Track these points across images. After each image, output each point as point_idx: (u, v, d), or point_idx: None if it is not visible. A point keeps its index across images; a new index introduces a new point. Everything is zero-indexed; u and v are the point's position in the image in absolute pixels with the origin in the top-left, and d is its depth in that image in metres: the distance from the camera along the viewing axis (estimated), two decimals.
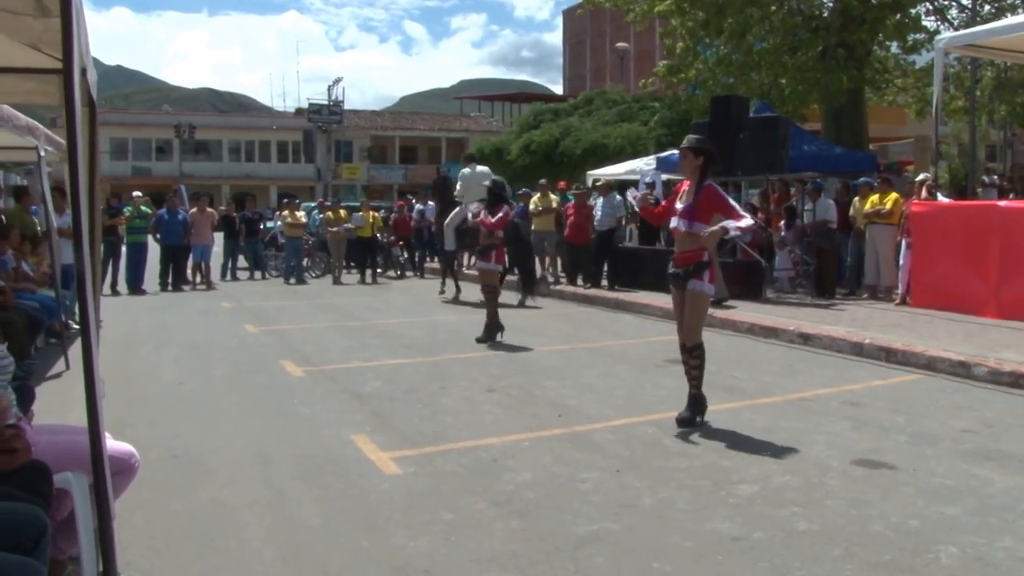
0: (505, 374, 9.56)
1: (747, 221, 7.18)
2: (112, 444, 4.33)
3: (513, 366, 10.07)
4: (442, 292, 18.39)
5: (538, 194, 19.34)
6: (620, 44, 42.33)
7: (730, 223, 7.09)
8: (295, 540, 4.91)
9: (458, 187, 17.34)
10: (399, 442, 6.88)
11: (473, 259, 14.56)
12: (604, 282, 17.68)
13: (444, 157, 65.24)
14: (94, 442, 2.98)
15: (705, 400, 7.39)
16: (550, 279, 18.95)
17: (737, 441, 6.83)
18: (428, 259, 24.66)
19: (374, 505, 5.46)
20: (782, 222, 16.96)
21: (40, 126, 10.54)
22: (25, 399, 4.65)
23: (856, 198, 16.21)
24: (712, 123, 15.32)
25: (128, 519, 5.10)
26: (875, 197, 15.47)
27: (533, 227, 19.18)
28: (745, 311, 13.46)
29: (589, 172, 23.61)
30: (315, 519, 5.24)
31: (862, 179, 16.58)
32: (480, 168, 17.11)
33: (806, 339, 11.45)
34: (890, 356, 10.18)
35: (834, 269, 16.28)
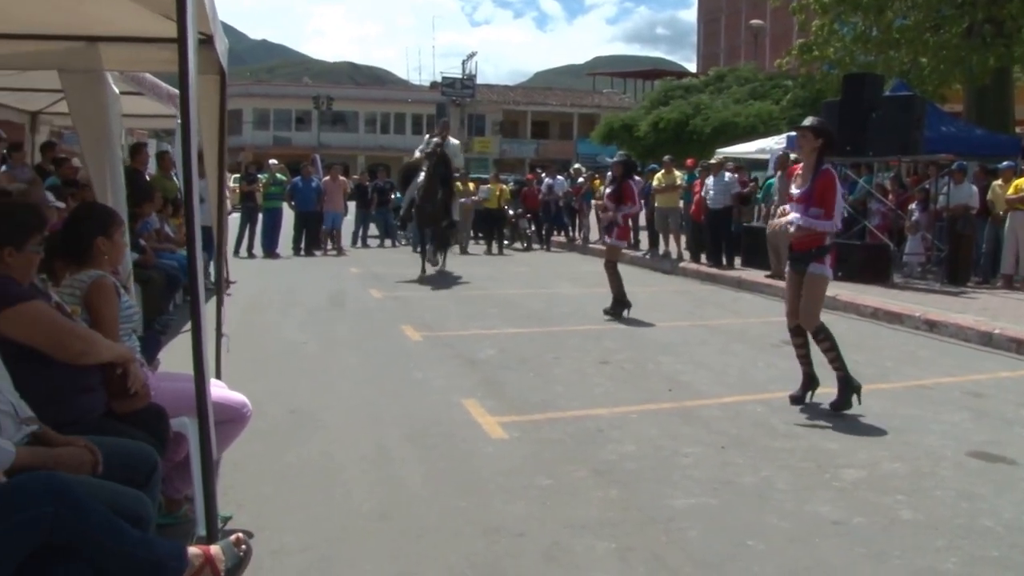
0: (620, 347, 9.54)
1: (822, 223, 6.94)
2: (226, 394, 4.50)
3: (629, 340, 10.03)
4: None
5: (662, 171, 19.12)
6: (755, 21, 41.39)
7: (795, 218, 6.92)
8: (396, 497, 5.02)
9: (418, 148, 17.70)
10: (507, 408, 6.95)
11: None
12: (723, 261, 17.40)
13: (575, 132, 65.12)
14: (199, 389, 3.10)
15: (817, 379, 7.21)
16: (673, 256, 18.73)
17: (847, 425, 6.66)
18: (555, 232, 24.69)
19: (476, 468, 5.54)
20: (913, 204, 16.30)
21: (179, 93, 10.90)
22: (150, 348, 4.87)
23: (996, 182, 15.45)
24: (843, 102, 14.89)
25: (243, 467, 5.30)
26: (1020, 181, 14.67)
27: (656, 203, 18.99)
28: (870, 295, 13.05)
29: (718, 150, 23.21)
30: (417, 478, 5.35)
31: (1005, 163, 15.74)
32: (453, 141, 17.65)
33: (932, 326, 11.05)
34: (1021, 347, 9.75)
35: (970, 256, 15.61)
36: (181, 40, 3.00)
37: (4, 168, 11.54)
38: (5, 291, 3.38)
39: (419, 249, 17.98)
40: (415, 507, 4.86)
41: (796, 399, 7.20)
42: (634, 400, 7.30)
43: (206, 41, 5.04)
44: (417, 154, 17.03)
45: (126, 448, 3.34)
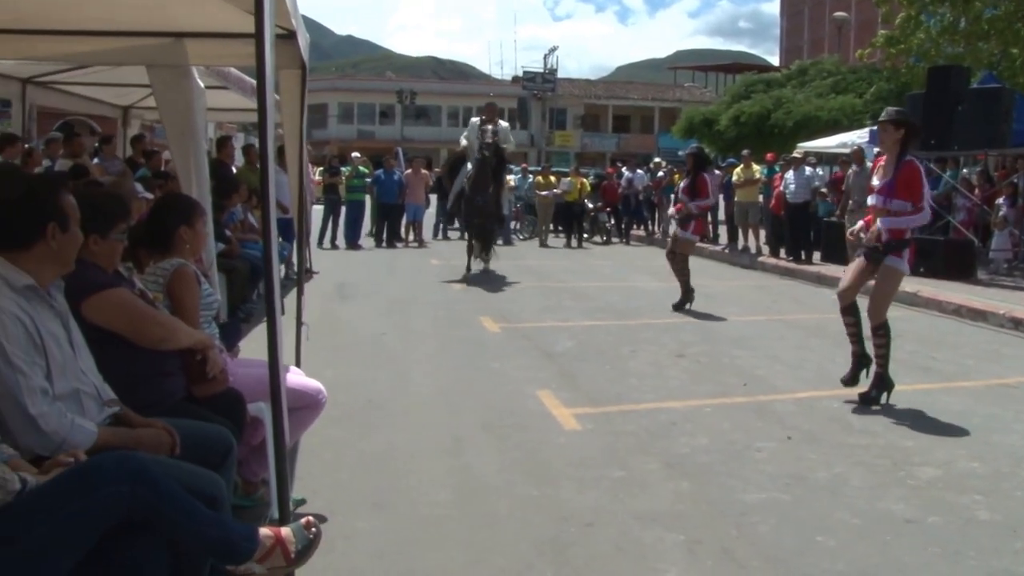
0: (696, 341, 9.45)
1: (911, 218, 6.78)
2: (303, 380, 4.58)
3: (705, 334, 9.94)
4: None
5: (741, 165, 18.87)
6: (839, 14, 40.52)
7: (883, 222, 6.76)
8: (469, 485, 5.05)
9: (463, 135, 15.57)
10: (582, 400, 6.94)
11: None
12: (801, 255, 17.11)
13: (657, 126, 64.57)
14: (273, 376, 3.15)
15: (891, 381, 7.03)
16: (752, 251, 18.49)
17: (925, 423, 6.51)
18: (635, 226, 24.56)
19: (549, 458, 5.54)
20: (1000, 199, 15.82)
21: None
22: (231, 335, 4.96)
23: None
24: (928, 95, 14.52)
25: (319, 453, 5.38)
26: None
27: (736, 197, 18.75)
28: (953, 292, 12.71)
29: (799, 144, 22.79)
30: (491, 467, 5.37)
31: None
32: (503, 124, 15.39)
33: (1017, 324, 10.72)
34: None
35: None
36: (258, 35, 3.06)
37: (96, 160, 11.88)
38: (91, 278, 3.47)
39: (499, 241, 17.00)
40: (487, 495, 4.89)
41: (847, 381, 7.14)
42: (708, 394, 7.24)
43: (288, 36, 5.12)
44: (463, 142, 15.40)
45: (203, 431, 3.42)
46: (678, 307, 11.49)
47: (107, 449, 2.90)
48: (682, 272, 11.62)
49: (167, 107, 6.57)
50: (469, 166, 14.75)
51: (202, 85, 6.83)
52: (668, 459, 5.55)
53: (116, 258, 3.72)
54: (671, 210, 12.14)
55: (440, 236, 23.24)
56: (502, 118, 15.30)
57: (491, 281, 14.23)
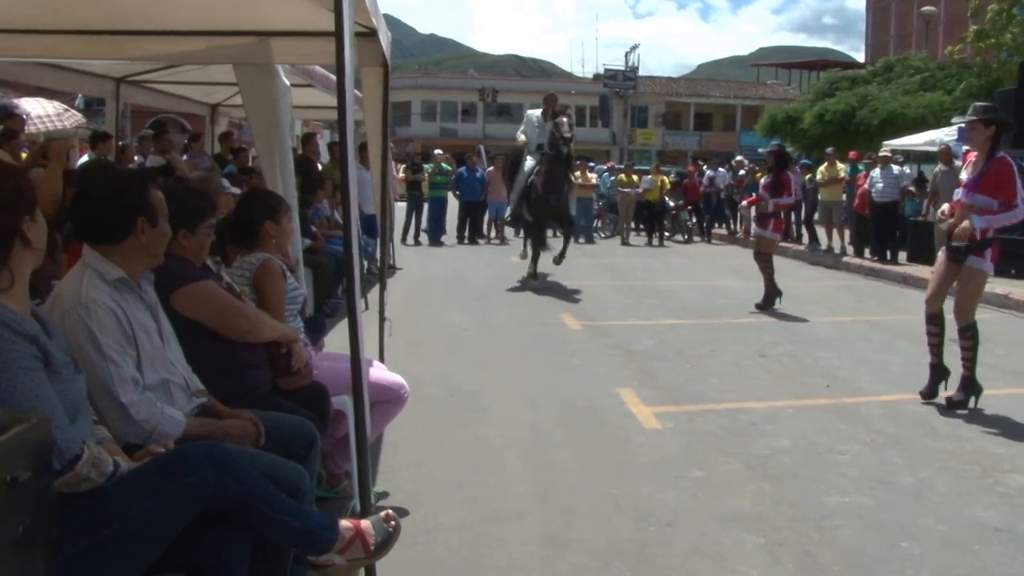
0: (778, 341, 9.31)
1: (1004, 216, 6.55)
2: (385, 375, 4.61)
3: (788, 334, 9.78)
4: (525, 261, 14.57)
5: (825, 164, 18.52)
6: (927, 8, 39.38)
7: (978, 220, 6.49)
8: (549, 481, 5.04)
9: (519, 129, 14.24)
10: (662, 399, 6.89)
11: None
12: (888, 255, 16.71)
13: (739, 124, 63.79)
14: (355, 370, 3.17)
15: (979, 385, 6.83)
16: (836, 250, 18.13)
17: (1016, 429, 6.30)
18: (717, 225, 24.29)
19: (628, 456, 5.51)
20: None
21: None
22: (315, 329, 5.02)
23: None
24: (1020, 90, 14.05)
25: (402, 447, 5.42)
26: None
27: (820, 196, 18.42)
28: None
29: (885, 142, 22.30)
30: (571, 463, 5.35)
31: None
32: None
33: None
34: None
35: None
36: (338, 32, 3.08)
37: (186, 157, 12.15)
38: (180, 271, 3.55)
39: (580, 239, 16.30)
40: (567, 492, 4.87)
41: (925, 394, 6.94)
42: (790, 394, 7.13)
43: (369, 34, 5.16)
44: (521, 137, 13.89)
45: (287, 423, 3.46)
46: (762, 307, 11.31)
47: (195, 439, 2.96)
48: (766, 271, 11.44)
49: (253, 105, 6.68)
50: (529, 162, 13.37)
51: (287, 83, 6.92)
52: (748, 460, 5.47)
53: (204, 252, 3.79)
54: (744, 202, 11.95)
55: (521, 233, 23.20)
56: (585, 116, 14.20)
57: (572, 278, 14.18)
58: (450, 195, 20.80)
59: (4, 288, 2.36)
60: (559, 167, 12.96)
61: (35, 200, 2.49)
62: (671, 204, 23.22)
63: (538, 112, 13.52)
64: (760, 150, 35.91)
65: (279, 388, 3.92)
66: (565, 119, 12.94)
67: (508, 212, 14.82)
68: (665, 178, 23.50)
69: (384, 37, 5.33)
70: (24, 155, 8.08)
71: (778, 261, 12.11)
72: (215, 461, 2.50)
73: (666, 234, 22.81)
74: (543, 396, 6.89)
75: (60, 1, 6.13)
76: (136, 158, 11.78)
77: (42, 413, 2.08)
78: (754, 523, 4.47)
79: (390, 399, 4.50)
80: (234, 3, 6.11)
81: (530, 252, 14.10)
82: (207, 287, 3.63)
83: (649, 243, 22.06)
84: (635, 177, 22.95)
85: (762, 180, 12.75)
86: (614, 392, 7.03)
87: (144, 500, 2.41)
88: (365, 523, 2.92)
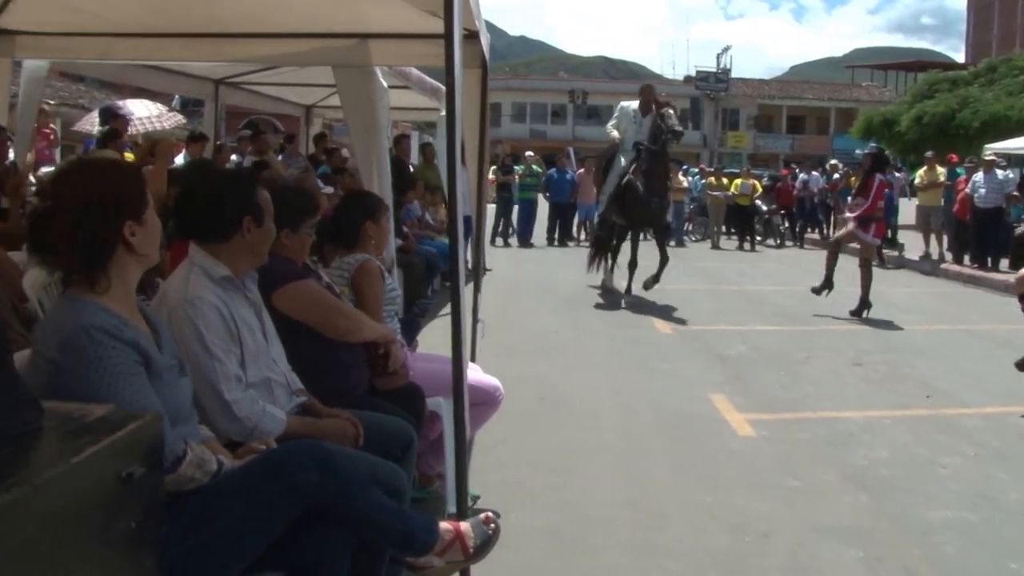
0: (874, 349, 9.09)
1: None
2: (480, 377, 4.61)
3: (884, 342, 9.55)
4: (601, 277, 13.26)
5: (924, 168, 18.04)
6: None
7: None
8: (641, 487, 4.99)
9: (610, 123, 12.77)
10: (756, 405, 6.78)
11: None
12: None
13: (832, 127, 62.62)
14: (456, 373, 3.18)
15: None
16: (934, 256, 17.64)
17: None
18: (809, 230, 23.86)
19: (722, 463, 5.43)
20: None
21: (443, 87, 11.29)
22: (410, 330, 5.04)
23: None
24: None
25: (492, 450, 5.41)
26: None
27: (918, 201, 17.95)
28: None
29: (987, 146, 21.63)
30: (663, 469, 5.30)
31: None
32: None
33: None
34: None
35: None
36: (448, 36, 3.08)
37: (281, 157, 12.36)
38: (282, 270, 3.59)
39: (671, 243, 14.48)
40: (660, 498, 4.82)
41: None
42: (888, 404, 6.95)
43: (470, 37, 5.17)
44: (614, 132, 12.43)
45: (385, 423, 3.48)
46: (856, 313, 11.04)
47: (295, 437, 2.99)
48: (865, 277, 11.14)
49: (351, 106, 6.77)
50: (623, 160, 12.03)
51: (385, 84, 7.00)
52: (845, 471, 5.34)
53: (305, 252, 3.84)
54: (847, 213, 11.67)
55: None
56: (672, 117, 11.55)
57: (662, 282, 14.01)
58: (540, 197, 20.81)
59: (100, 292, 2.36)
60: (662, 165, 11.79)
61: (142, 205, 2.45)
62: (763, 208, 22.88)
63: (633, 105, 12.24)
64: (857, 153, 35.15)
65: (376, 388, 3.95)
66: (672, 110, 11.68)
67: (597, 216, 13.22)
68: (757, 182, 23.17)
69: (484, 39, 5.35)
70: (128, 154, 8.30)
71: (875, 266, 11.81)
72: (318, 461, 2.51)
73: (757, 238, 22.48)
74: (634, 401, 6.83)
75: (165, 4, 6.30)
76: (233, 157, 12.01)
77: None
78: (852, 536, 4.36)
79: (485, 401, 4.50)
80: (333, 5, 6.20)
81: (608, 262, 13.02)
82: (308, 286, 3.68)
83: (740, 247, 21.76)
84: (725, 180, 22.68)
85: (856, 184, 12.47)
86: (706, 398, 6.93)
87: (248, 498, 2.43)
88: (464, 525, 2.91)
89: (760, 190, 22.86)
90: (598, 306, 11.58)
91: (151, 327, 2.52)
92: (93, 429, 1.85)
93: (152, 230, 2.47)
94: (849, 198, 17.79)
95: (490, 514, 3.02)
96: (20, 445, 1.74)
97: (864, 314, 11.02)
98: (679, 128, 11.45)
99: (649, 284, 11.89)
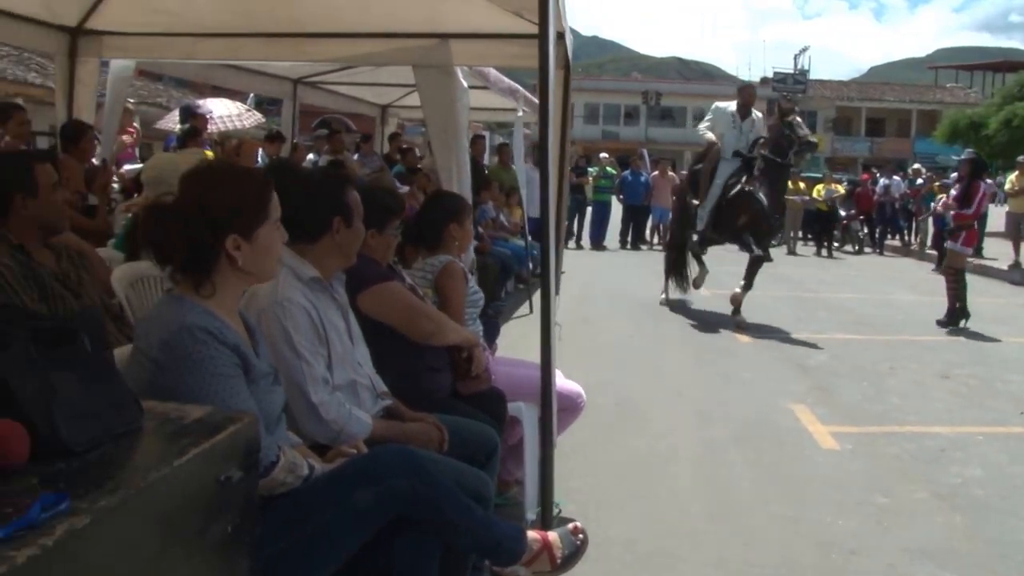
0: (963, 362, 8.86)
1: None
2: (562, 383, 4.57)
3: (973, 355, 9.30)
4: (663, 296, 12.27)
5: (1015, 172, 17.57)
6: None
7: None
8: (722, 499, 4.92)
9: (703, 125, 11.60)
10: (839, 418, 6.65)
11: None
12: None
13: (913, 130, 61.44)
14: (545, 380, 3.15)
15: None
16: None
17: None
18: (890, 236, 23.42)
19: (806, 478, 5.32)
20: None
21: (520, 88, 11.31)
22: (491, 333, 5.03)
23: None
24: None
25: (571, 456, 5.37)
26: None
27: (1008, 208, 17.49)
28: None
29: None
30: (745, 482, 5.21)
31: None
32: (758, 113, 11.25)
33: None
34: None
35: None
36: (542, 36, 3.06)
37: (356, 156, 12.47)
38: (367, 271, 3.58)
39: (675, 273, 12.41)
40: (742, 512, 4.74)
41: None
42: (980, 420, 6.76)
43: (557, 37, 5.15)
44: (708, 134, 11.23)
45: (469, 428, 3.46)
46: (946, 323, 10.74)
47: (380, 441, 2.99)
48: (954, 287, 10.84)
49: (431, 106, 6.79)
50: (724, 168, 10.91)
51: (465, 85, 7.00)
52: (937, 489, 5.20)
53: (390, 253, 3.84)
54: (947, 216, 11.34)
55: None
56: (802, 126, 10.55)
57: (737, 288, 13.86)
58: (614, 199, 20.73)
59: (206, 296, 2.37)
60: (784, 179, 10.96)
61: (255, 222, 2.40)
62: (842, 213, 22.50)
63: (731, 106, 11.13)
64: (939, 158, 34.36)
65: (458, 392, 3.93)
66: (799, 117, 10.72)
67: (697, 235, 11.56)
68: (839, 186, 22.76)
69: (569, 39, 5.32)
70: (208, 152, 8.44)
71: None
72: (409, 467, 2.51)
73: (835, 244, 22.11)
74: (713, 410, 6.74)
75: (247, 5, 6.40)
76: (309, 156, 12.15)
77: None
78: (947, 558, 4.24)
79: (567, 407, 4.47)
80: (414, 5, 6.24)
81: (697, 269, 11.95)
82: (394, 288, 3.68)
83: (817, 253, 21.43)
84: (802, 184, 22.34)
85: (952, 191, 12.16)
86: (788, 408, 6.82)
87: (339, 503, 2.43)
88: (552, 535, 2.89)
89: (841, 194, 22.48)
90: (674, 311, 11.47)
91: (250, 334, 2.53)
92: (193, 431, 1.86)
93: (263, 249, 2.43)
94: (935, 204, 17.44)
95: (578, 524, 2.99)
96: (122, 445, 1.75)
97: (962, 324, 10.70)
98: (813, 139, 10.66)
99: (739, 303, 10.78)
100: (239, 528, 1.96)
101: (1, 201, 3.45)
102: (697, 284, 12.02)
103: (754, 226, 10.59)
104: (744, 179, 10.65)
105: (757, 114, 11.19)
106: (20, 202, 3.42)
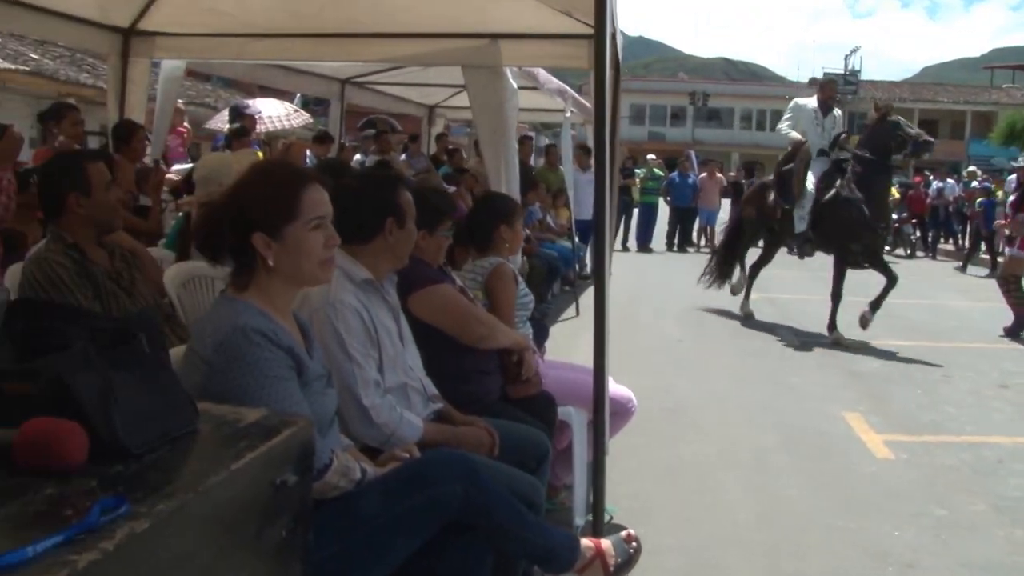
0: (1021, 371, 8.69)
1: None
2: (613, 387, 4.54)
3: None
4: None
5: None
6: None
7: None
8: (773, 508, 4.85)
9: (785, 123, 10.99)
10: (893, 426, 6.55)
11: None
12: None
13: (968, 132, 60.54)
14: (599, 384, 3.12)
15: None
16: None
17: None
18: (943, 240, 23.09)
19: (859, 487, 5.24)
20: None
21: (569, 89, 11.28)
22: (540, 336, 5.01)
23: None
24: None
25: (619, 461, 5.31)
26: None
27: None
28: None
29: None
30: (795, 491, 5.14)
31: None
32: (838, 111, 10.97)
33: None
34: None
35: None
36: (598, 36, 3.04)
37: (404, 157, 12.52)
38: (417, 273, 3.58)
39: (794, 250, 12.16)
40: (794, 521, 4.68)
41: None
42: None
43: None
44: (792, 133, 10.63)
45: (520, 432, 3.44)
46: (1011, 332, 10.48)
47: (431, 444, 2.98)
48: (1013, 295, 10.59)
49: (480, 107, 6.78)
50: (815, 167, 10.31)
51: (515, 85, 6.99)
52: (996, 501, 5.09)
53: (441, 254, 3.83)
54: (997, 222, 11.11)
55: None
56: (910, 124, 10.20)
57: (785, 291, 13.74)
58: (660, 201, 20.65)
59: (256, 297, 2.35)
60: (886, 182, 10.45)
61: (283, 219, 2.34)
62: (893, 216, 22.15)
63: (811, 103, 10.66)
64: (994, 161, 33.75)
65: (508, 396, 3.91)
66: (900, 117, 10.24)
67: (797, 247, 11.23)
68: (895, 190, 22.39)
69: (619, 39, 5.29)
70: (258, 153, 8.51)
71: None
72: (463, 473, 2.49)
73: (887, 248, 21.79)
74: (762, 415, 6.67)
75: (297, 5, 6.43)
76: (356, 157, 12.21)
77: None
78: (1010, 574, 4.15)
79: (617, 412, 4.43)
80: (463, 5, 6.23)
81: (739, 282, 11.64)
82: (445, 290, 3.67)
83: None
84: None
85: (1011, 197, 11.93)
86: (839, 416, 6.73)
87: (392, 508, 2.42)
88: (605, 543, 2.87)
89: (895, 197, 22.14)
90: (721, 315, 11.38)
91: (304, 335, 2.53)
92: (249, 434, 1.85)
93: (294, 249, 2.35)
94: (1005, 209, 17.03)
95: (632, 532, 2.96)
96: (179, 448, 1.75)
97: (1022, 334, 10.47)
98: (928, 137, 10.01)
99: (867, 320, 10.00)
100: (293, 533, 1.95)
101: (55, 200, 3.49)
102: (735, 291, 11.66)
103: (855, 238, 9.90)
104: (839, 183, 10.00)
105: (837, 111, 10.77)
106: (74, 201, 3.46)
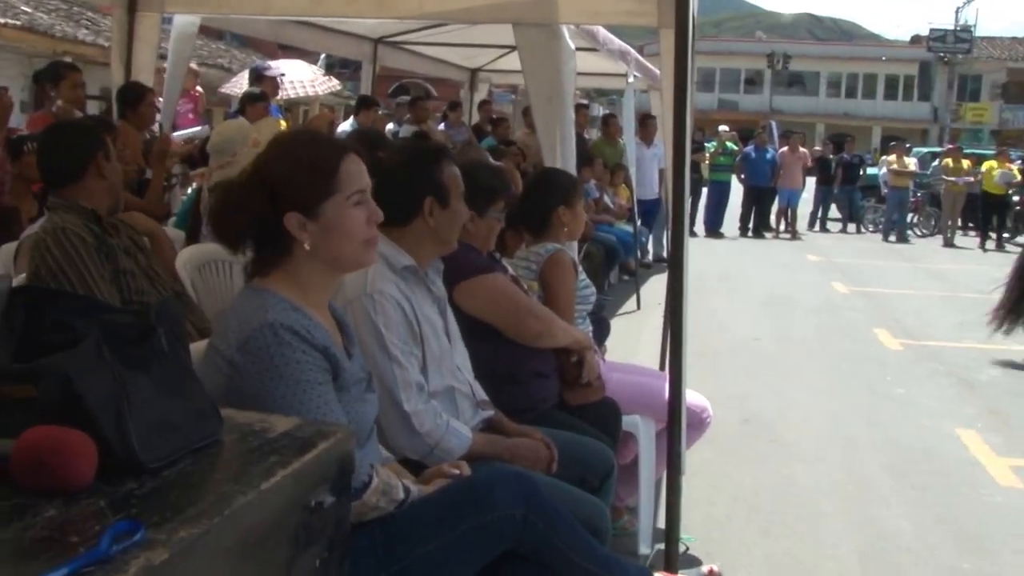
0: None
1: None
2: (687, 395, 4.49)
3: None
4: None
5: None
6: None
7: None
8: (878, 543, 4.78)
9: None
10: (1019, 448, 6.44)
11: None
12: None
13: None
14: (675, 390, 3.08)
15: None
16: None
17: None
18: None
19: (981, 520, 5.16)
20: None
21: (632, 51, 11.18)
22: (600, 333, 4.97)
23: None
24: None
25: (690, 480, 5.26)
26: None
27: None
28: None
29: None
30: (904, 523, 5.06)
31: None
32: None
33: None
34: None
35: None
36: None
37: (442, 126, 12.49)
38: (465, 261, 3.53)
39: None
40: (903, 560, 4.60)
41: None
42: None
43: None
44: None
45: (582, 445, 3.40)
46: None
47: (481, 458, 2.95)
48: None
49: (533, 71, 6.71)
50: None
51: (572, 47, 6.92)
52: None
53: (492, 239, 3.78)
54: None
55: (817, 227, 22.64)
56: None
57: (884, 285, 13.57)
58: (734, 179, 20.48)
59: (287, 287, 2.33)
60: None
61: (320, 195, 2.31)
62: (1015, 198, 21.77)
63: None
64: None
65: (566, 403, 3.87)
66: None
67: None
68: (1012, 166, 21.91)
69: None
70: (282, 122, 8.48)
71: None
72: (523, 494, 2.45)
73: (1006, 235, 21.44)
74: (860, 432, 6.60)
75: None
76: (389, 126, 12.19)
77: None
78: None
79: (690, 423, 4.36)
80: None
81: None
82: (496, 280, 3.63)
83: (981, 246, 20.80)
84: (966, 163, 21.73)
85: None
86: (953, 434, 6.64)
87: (443, 532, 2.39)
88: None
89: (1018, 176, 21.69)
90: (807, 311, 11.29)
91: (342, 332, 2.50)
92: (279, 447, 1.82)
93: (335, 227, 2.33)
94: None
95: (715, 568, 2.92)
96: (200, 462, 1.73)
97: None
98: None
99: None
100: (327, 561, 1.93)
101: (75, 163, 3.50)
102: None
103: None
104: None
105: None
106: (100, 162, 3.48)
